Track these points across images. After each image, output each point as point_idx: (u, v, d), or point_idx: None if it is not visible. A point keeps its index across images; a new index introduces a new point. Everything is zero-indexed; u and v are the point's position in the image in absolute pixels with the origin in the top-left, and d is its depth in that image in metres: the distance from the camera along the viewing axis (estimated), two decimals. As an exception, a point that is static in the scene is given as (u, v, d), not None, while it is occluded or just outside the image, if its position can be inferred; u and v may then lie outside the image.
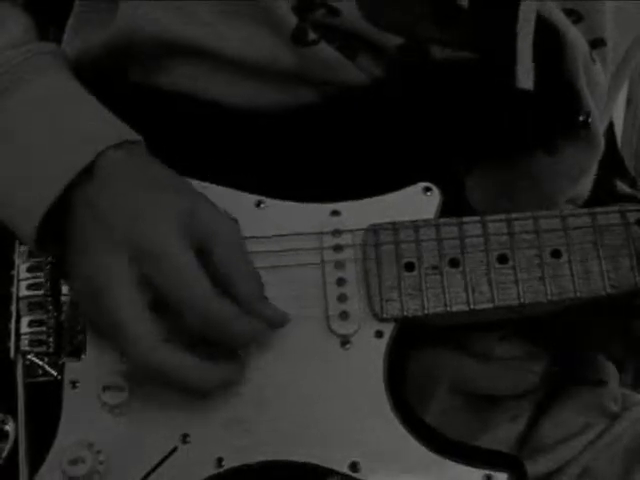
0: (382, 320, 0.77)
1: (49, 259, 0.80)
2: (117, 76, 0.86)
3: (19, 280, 0.80)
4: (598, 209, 0.81)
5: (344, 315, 0.77)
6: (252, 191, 0.80)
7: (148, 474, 0.74)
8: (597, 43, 0.86)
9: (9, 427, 0.76)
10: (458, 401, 0.91)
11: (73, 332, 0.78)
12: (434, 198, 0.80)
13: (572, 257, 0.79)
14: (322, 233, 0.79)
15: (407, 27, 0.81)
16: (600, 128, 0.87)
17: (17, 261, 0.80)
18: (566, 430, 0.91)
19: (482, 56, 0.82)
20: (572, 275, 0.78)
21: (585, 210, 0.81)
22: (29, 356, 0.78)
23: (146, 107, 0.83)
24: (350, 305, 0.78)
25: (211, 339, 0.73)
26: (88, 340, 0.78)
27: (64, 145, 0.75)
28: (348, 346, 0.77)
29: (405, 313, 0.77)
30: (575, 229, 0.79)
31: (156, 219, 0.72)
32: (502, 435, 0.91)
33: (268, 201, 0.80)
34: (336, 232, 0.79)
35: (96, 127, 0.77)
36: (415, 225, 0.79)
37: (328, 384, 0.76)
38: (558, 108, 0.83)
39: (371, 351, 0.77)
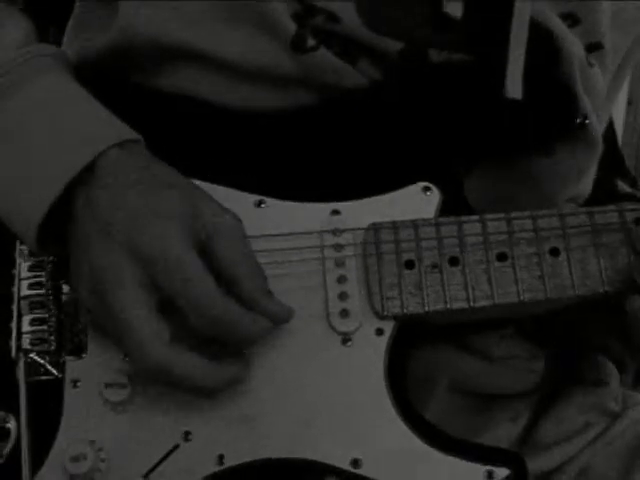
0: (382, 318, 0.78)
1: (50, 258, 0.80)
2: (117, 78, 0.86)
3: (20, 279, 0.80)
4: (596, 208, 0.81)
5: (345, 313, 0.78)
6: (252, 191, 0.80)
7: (150, 471, 0.74)
8: (594, 46, 0.87)
9: (11, 425, 0.76)
10: (458, 400, 0.91)
11: (74, 331, 0.78)
12: (434, 197, 0.81)
13: (570, 255, 0.79)
14: (322, 232, 0.79)
15: (406, 32, 0.82)
16: (599, 129, 0.87)
17: (18, 260, 0.80)
18: (566, 429, 0.91)
19: (477, 59, 0.82)
20: (570, 273, 0.79)
21: (583, 209, 0.81)
22: (30, 355, 0.78)
23: (147, 108, 0.83)
24: (351, 303, 0.78)
25: (217, 339, 0.73)
26: (89, 339, 0.78)
27: (64, 145, 0.75)
28: (349, 344, 0.77)
29: (405, 311, 0.77)
30: (573, 228, 0.80)
31: (157, 219, 0.72)
32: (502, 434, 0.91)
33: (269, 201, 0.80)
34: (336, 231, 0.79)
35: (96, 127, 0.77)
36: (415, 224, 0.79)
37: (329, 381, 0.77)
38: (554, 111, 0.83)
39: (372, 348, 0.77)
